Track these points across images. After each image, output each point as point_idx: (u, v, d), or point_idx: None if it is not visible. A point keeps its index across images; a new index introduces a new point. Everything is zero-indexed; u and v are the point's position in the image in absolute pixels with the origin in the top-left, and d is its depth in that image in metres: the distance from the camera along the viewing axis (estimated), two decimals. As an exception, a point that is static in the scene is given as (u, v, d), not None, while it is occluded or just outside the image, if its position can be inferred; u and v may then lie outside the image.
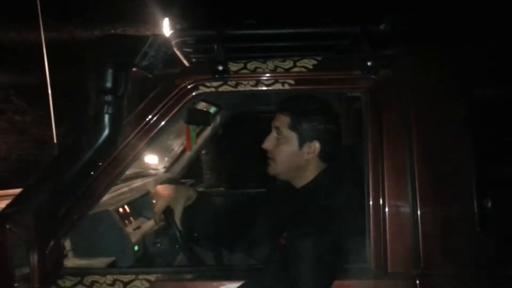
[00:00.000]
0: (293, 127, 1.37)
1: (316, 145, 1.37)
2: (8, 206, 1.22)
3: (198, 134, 2.49)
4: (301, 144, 1.38)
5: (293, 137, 1.38)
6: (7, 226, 1.07)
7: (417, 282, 1.22)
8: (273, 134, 1.41)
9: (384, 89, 1.31)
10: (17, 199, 1.23)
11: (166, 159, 2.57)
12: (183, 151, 2.50)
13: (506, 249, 1.26)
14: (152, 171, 2.48)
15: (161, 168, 2.56)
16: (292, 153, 1.39)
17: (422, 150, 1.28)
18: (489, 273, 1.24)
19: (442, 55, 1.35)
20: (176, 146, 2.56)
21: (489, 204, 1.31)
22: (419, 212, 1.25)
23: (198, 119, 1.98)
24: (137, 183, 2.13)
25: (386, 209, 1.26)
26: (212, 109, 2.42)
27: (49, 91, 2.19)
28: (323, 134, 1.37)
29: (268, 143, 1.42)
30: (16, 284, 1.14)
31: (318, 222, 1.22)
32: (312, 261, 1.16)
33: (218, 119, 2.51)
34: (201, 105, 2.23)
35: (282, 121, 1.39)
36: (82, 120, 1.24)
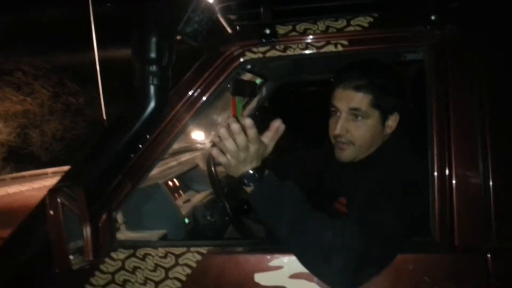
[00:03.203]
0: (375, 104, 1.25)
1: (397, 116, 1.28)
2: (59, 181, 1.24)
3: (244, 107, 2.44)
4: (383, 119, 1.28)
5: (376, 114, 1.26)
6: (59, 200, 1.07)
7: (488, 256, 1.12)
8: (345, 116, 1.27)
9: (451, 46, 1.17)
10: (67, 174, 1.25)
11: (213, 133, 2.55)
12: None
13: None
14: (199, 145, 2.47)
15: (208, 142, 2.55)
16: (375, 132, 1.28)
17: (495, 114, 1.14)
18: None
19: None
20: (223, 119, 2.53)
21: None
22: (491, 182, 1.12)
23: (244, 90, 1.93)
24: (185, 157, 2.12)
25: (453, 179, 1.14)
26: (258, 80, 2.35)
27: (98, 70, 2.22)
28: (401, 103, 1.27)
29: (343, 129, 1.28)
30: (71, 257, 1.15)
31: (384, 192, 1.13)
32: (377, 235, 1.07)
33: (264, 90, 2.44)
34: (247, 76, 2.18)
35: (361, 100, 1.25)
36: (129, 93, 1.21)
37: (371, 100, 1.25)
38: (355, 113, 1.26)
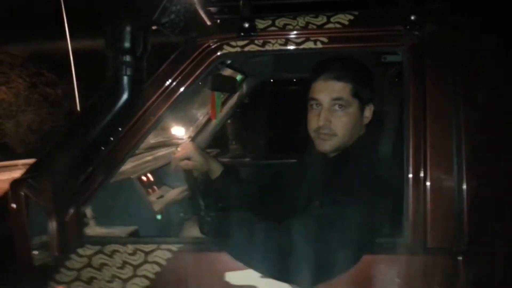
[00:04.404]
0: (355, 93, 1.26)
1: (372, 108, 1.30)
2: (25, 172, 1.19)
3: (223, 103, 2.41)
4: (362, 109, 1.29)
5: (355, 104, 1.28)
6: (22, 193, 1.02)
7: (460, 258, 1.12)
8: (327, 107, 1.27)
9: (429, 46, 1.17)
10: (34, 165, 1.20)
11: (191, 128, 2.51)
12: (208, 121, 2.43)
13: None
14: (177, 141, 2.43)
15: (186, 138, 2.51)
16: (356, 122, 1.29)
17: (471, 116, 1.14)
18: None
19: (499, 9, 1.18)
20: (201, 115, 2.49)
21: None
22: (465, 185, 1.13)
23: (224, 85, 1.89)
24: (162, 152, 2.08)
25: (428, 181, 1.14)
26: (239, 76, 2.33)
27: (71, 60, 2.16)
28: (373, 94, 1.30)
29: (325, 119, 1.27)
30: (35, 252, 1.11)
31: (351, 190, 1.13)
32: (342, 229, 1.08)
33: (244, 87, 2.41)
34: (227, 72, 2.15)
35: (342, 89, 1.26)
36: (99, 83, 1.17)
37: (351, 89, 1.26)
38: (337, 102, 1.27)
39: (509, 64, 1.16)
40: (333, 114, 1.27)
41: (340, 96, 1.26)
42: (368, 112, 1.31)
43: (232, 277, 1.16)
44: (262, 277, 1.14)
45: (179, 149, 1.49)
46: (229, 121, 3.72)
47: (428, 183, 1.14)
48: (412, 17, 1.16)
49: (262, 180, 1.66)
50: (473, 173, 1.13)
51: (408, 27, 1.17)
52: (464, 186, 1.13)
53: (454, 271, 1.12)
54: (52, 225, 1.10)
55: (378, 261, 1.13)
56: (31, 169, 1.20)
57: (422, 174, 1.15)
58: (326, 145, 1.31)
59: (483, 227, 1.13)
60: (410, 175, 1.16)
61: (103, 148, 1.22)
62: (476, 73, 1.16)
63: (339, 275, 1.11)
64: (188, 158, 1.43)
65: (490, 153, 1.14)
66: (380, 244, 1.15)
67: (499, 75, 1.15)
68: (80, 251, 1.21)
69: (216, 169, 1.50)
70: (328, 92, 1.27)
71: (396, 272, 1.13)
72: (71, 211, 1.20)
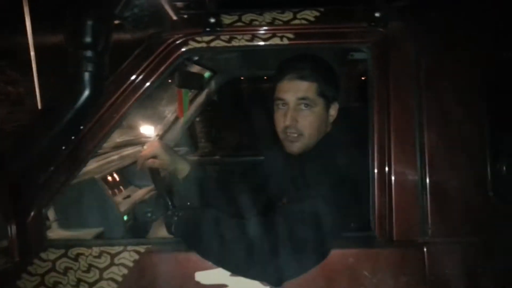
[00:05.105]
0: (320, 91, 1.27)
1: (337, 106, 1.31)
2: (-19, 173, 1.13)
3: (192, 100, 2.38)
4: (327, 108, 1.30)
5: (321, 103, 1.28)
6: (-22, 195, 0.97)
7: (425, 250, 1.15)
8: (294, 106, 1.27)
9: (393, 43, 1.19)
10: (-9, 165, 1.14)
11: (159, 126, 2.47)
12: (176, 119, 2.40)
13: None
14: (144, 139, 2.38)
15: (153, 136, 2.46)
16: (322, 121, 1.30)
17: (433, 112, 1.17)
18: (502, 240, 1.16)
19: (462, 8, 1.22)
20: (169, 113, 2.46)
21: (504, 169, 1.22)
22: (427, 179, 1.16)
23: (191, 82, 1.87)
24: (128, 151, 2.03)
25: (392, 176, 1.17)
26: (207, 74, 2.30)
27: (32, 56, 2.06)
28: (339, 93, 1.31)
29: (291, 119, 1.27)
30: (-7, 258, 1.06)
31: (318, 186, 1.13)
32: (309, 224, 1.08)
33: (213, 84, 2.39)
34: (195, 69, 2.12)
35: (308, 88, 1.26)
36: (61, 79, 1.12)
37: (316, 88, 1.27)
38: (303, 102, 1.27)
39: (473, 61, 1.19)
40: (299, 113, 1.28)
41: (305, 95, 1.26)
42: (334, 111, 1.32)
43: (202, 276, 1.14)
44: (232, 275, 1.13)
45: (145, 147, 1.46)
46: (197, 118, 3.69)
47: (392, 178, 1.17)
48: (377, 14, 1.17)
49: (231, 178, 1.65)
50: (435, 167, 1.16)
51: (372, 23, 1.19)
52: (427, 180, 1.16)
53: (419, 262, 1.15)
54: (12, 228, 1.05)
55: (346, 255, 1.15)
56: (-14, 171, 1.14)
57: (386, 169, 1.17)
58: (294, 147, 1.31)
59: (446, 219, 1.16)
60: (375, 170, 1.18)
61: (64, 148, 1.17)
62: (440, 69, 1.19)
63: (308, 270, 1.12)
64: (154, 157, 1.40)
65: (451, 148, 1.17)
66: (348, 238, 1.17)
67: (463, 71, 1.19)
68: (43, 255, 1.16)
69: (184, 168, 1.47)
70: (294, 91, 1.27)
71: (364, 265, 1.14)
72: (32, 213, 1.16)
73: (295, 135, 1.29)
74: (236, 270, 1.12)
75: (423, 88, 1.18)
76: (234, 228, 1.12)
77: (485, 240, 1.16)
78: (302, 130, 1.28)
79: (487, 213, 1.16)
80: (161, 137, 2.47)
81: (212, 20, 1.18)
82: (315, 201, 1.11)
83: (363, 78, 2.00)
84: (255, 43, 1.21)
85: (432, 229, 1.16)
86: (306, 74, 1.26)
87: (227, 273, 1.13)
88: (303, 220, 1.09)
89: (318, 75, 1.27)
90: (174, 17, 1.29)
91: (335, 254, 1.14)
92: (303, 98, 1.26)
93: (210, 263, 1.13)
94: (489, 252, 1.16)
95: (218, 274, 1.14)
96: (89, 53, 1.06)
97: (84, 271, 1.16)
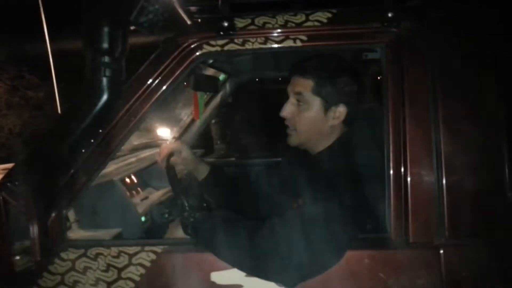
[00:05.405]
0: (317, 91, 1.27)
1: (342, 109, 1.29)
2: (4, 176, 1.17)
3: (207, 103, 2.40)
4: (326, 109, 1.29)
5: (317, 102, 1.28)
6: (1, 197, 1.00)
7: (441, 252, 1.14)
8: (292, 100, 1.31)
9: (407, 44, 1.18)
10: (13, 169, 1.18)
11: (175, 129, 2.50)
12: (192, 121, 2.42)
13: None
14: (161, 142, 2.41)
15: (170, 139, 2.49)
16: (316, 120, 1.29)
17: (449, 112, 1.16)
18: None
19: (475, 6, 1.20)
20: (185, 115, 2.48)
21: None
22: (444, 180, 1.14)
23: (206, 85, 1.89)
24: (145, 153, 2.07)
25: (408, 177, 1.15)
26: (221, 76, 2.32)
27: (51, 62, 2.12)
28: (348, 97, 1.28)
29: (287, 111, 1.32)
30: (17, 257, 1.09)
31: (334, 187, 1.13)
32: (325, 226, 1.08)
33: (227, 86, 2.41)
34: (210, 72, 2.14)
35: (304, 85, 1.28)
36: (80, 85, 1.16)
37: (312, 86, 1.28)
38: (298, 97, 1.30)
39: (489, 60, 1.17)
40: (294, 108, 1.31)
41: (300, 90, 1.29)
42: (337, 114, 1.30)
43: (218, 277, 1.16)
44: (247, 276, 1.14)
45: (167, 143, 1.49)
46: (213, 121, 3.71)
47: (408, 179, 1.16)
48: (390, 14, 1.17)
49: (248, 179, 1.66)
50: (451, 168, 1.15)
51: (386, 24, 1.18)
52: (444, 181, 1.15)
53: (436, 264, 1.14)
54: (33, 229, 1.08)
55: (362, 256, 1.14)
56: (10, 173, 1.18)
57: (402, 170, 1.16)
58: (290, 140, 1.36)
59: (463, 221, 1.15)
60: (391, 171, 1.17)
61: (84, 151, 1.20)
62: (454, 69, 1.18)
63: (323, 271, 1.12)
64: (177, 152, 1.43)
65: (468, 148, 1.16)
66: (363, 240, 1.16)
67: (478, 71, 1.17)
68: (63, 255, 1.19)
69: (203, 169, 1.49)
70: (293, 86, 1.31)
71: (379, 267, 1.14)
72: (53, 214, 1.19)
73: (290, 129, 1.33)
74: (252, 271, 1.13)
75: (438, 88, 1.17)
76: (250, 229, 1.13)
77: (502, 242, 1.14)
78: (295, 125, 1.32)
79: (505, 214, 1.14)
80: (177, 139, 2.50)
81: (226, 24, 1.20)
82: (331, 202, 1.11)
83: (377, 78, 1.99)
84: (268, 45, 1.22)
85: (449, 231, 1.14)
86: (304, 71, 1.29)
87: (243, 273, 1.14)
88: (319, 222, 1.09)
89: (316, 73, 1.28)
90: (188, 22, 1.31)
91: (351, 255, 1.13)
92: (298, 93, 1.29)
93: (225, 264, 1.14)
94: (507, 254, 1.14)
95: (233, 275, 1.15)
96: (106, 59, 1.09)
97: (102, 271, 1.18)
